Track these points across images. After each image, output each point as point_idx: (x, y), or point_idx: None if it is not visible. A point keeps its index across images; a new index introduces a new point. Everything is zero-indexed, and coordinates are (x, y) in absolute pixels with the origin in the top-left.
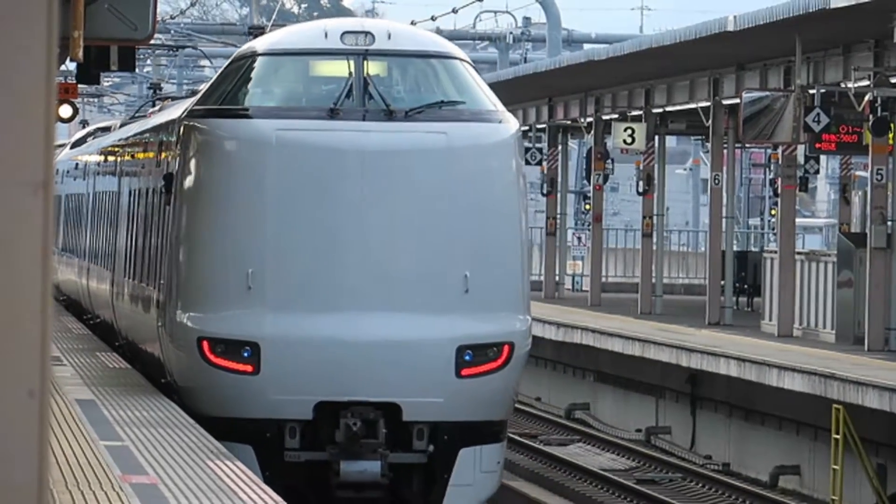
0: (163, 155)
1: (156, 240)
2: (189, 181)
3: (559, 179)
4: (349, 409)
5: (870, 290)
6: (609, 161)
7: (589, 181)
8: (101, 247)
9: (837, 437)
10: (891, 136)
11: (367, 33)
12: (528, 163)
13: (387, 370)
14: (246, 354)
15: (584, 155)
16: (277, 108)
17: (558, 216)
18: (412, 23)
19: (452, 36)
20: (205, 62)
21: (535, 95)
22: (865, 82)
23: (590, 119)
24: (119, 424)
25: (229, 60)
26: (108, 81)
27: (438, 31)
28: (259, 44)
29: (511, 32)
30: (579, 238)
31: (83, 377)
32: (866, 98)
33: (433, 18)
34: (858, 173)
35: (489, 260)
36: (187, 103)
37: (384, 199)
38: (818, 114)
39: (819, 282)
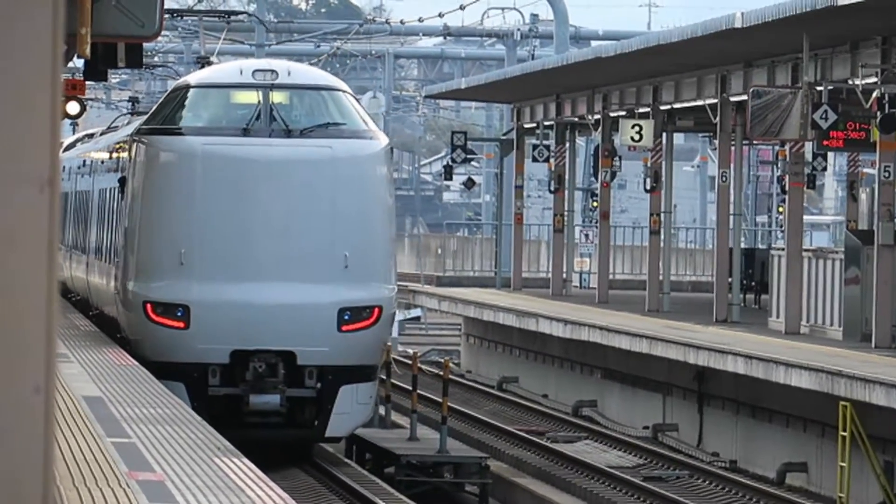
0: (120, 162)
1: (114, 228)
2: (137, 183)
3: (566, 176)
4: (256, 355)
5: (877, 288)
6: (616, 158)
7: (596, 178)
8: (80, 236)
9: (845, 434)
10: None
11: (272, 71)
12: (535, 160)
13: (285, 326)
14: (179, 314)
15: (592, 152)
16: (204, 127)
17: (566, 213)
18: (419, 20)
19: (460, 33)
20: (212, 59)
21: (543, 92)
22: (873, 79)
23: (597, 116)
24: (126, 421)
25: (169, 90)
26: (115, 78)
27: (446, 28)
28: (191, 78)
29: (519, 29)
30: (587, 235)
31: (90, 374)
32: (874, 95)
33: (441, 15)
34: (866, 170)
35: (363, 243)
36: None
37: (284, 197)
38: (826, 111)
39: (826, 279)
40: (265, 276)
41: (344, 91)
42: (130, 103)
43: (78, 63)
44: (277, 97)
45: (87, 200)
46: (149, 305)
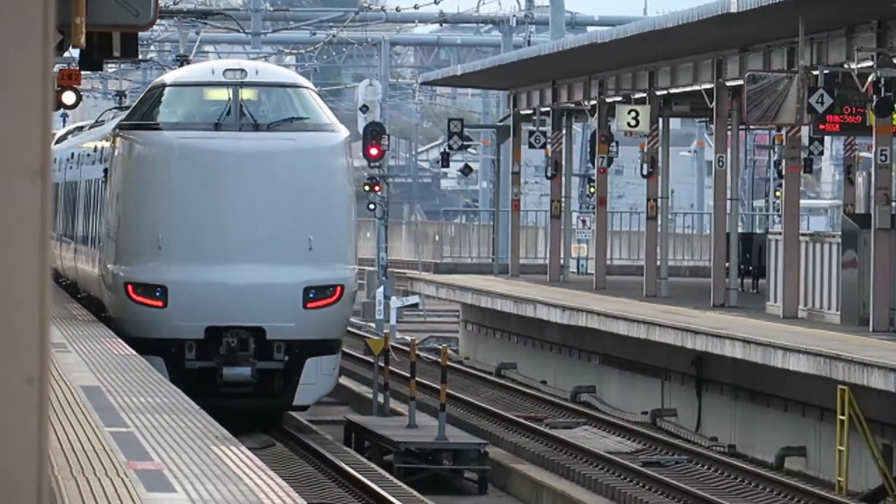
0: (103, 154)
1: (98, 216)
2: (119, 174)
3: (563, 162)
4: (229, 331)
5: (874, 271)
6: (613, 144)
7: (593, 164)
8: (68, 224)
9: (843, 418)
10: (894, 116)
11: (241, 70)
12: (532, 146)
13: (255, 304)
14: (158, 294)
15: (589, 138)
16: (179, 122)
17: (563, 199)
18: (415, 7)
19: (456, 20)
20: (209, 48)
21: (539, 78)
22: (869, 63)
23: (593, 102)
24: (124, 411)
25: (147, 88)
26: (112, 67)
27: (441, 15)
28: (167, 77)
29: (514, 15)
30: (584, 221)
31: (88, 364)
32: (870, 79)
33: (436, 2)
34: (863, 154)
35: (326, 227)
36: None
37: (253, 186)
38: (822, 95)
39: (824, 263)
40: (236, 259)
41: (307, 88)
42: (117, 97)
43: (74, 53)
44: (246, 94)
45: (75, 191)
46: (130, 286)
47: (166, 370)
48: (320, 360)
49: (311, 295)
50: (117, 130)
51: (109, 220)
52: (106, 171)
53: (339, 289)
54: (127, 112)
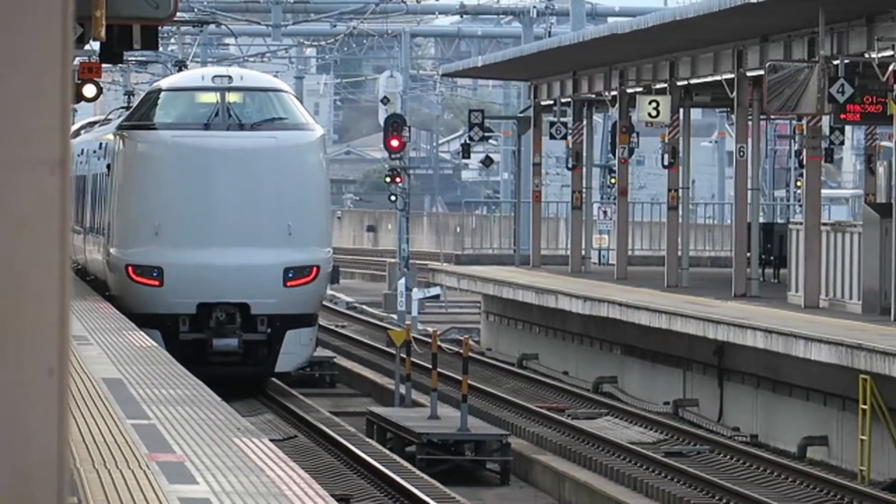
0: (107, 151)
1: (103, 206)
2: (120, 169)
3: (584, 153)
4: (218, 306)
5: None
6: (634, 134)
7: (614, 155)
8: (79, 213)
9: (865, 407)
10: None
11: (228, 76)
12: (552, 137)
13: (241, 282)
14: (155, 274)
15: (609, 129)
16: (173, 123)
17: (584, 190)
18: None
19: (476, 11)
20: (230, 40)
21: (560, 69)
22: (889, 52)
23: (614, 93)
24: (146, 403)
25: (146, 93)
26: (131, 60)
27: (462, 6)
28: (163, 83)
29: (535, 7)
30: (605, 212)
31: (110, 356)
32: (890, 68)
33: None
34: (884, 143)
35: (303, 215)
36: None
37: (239, 179)
38: (842, 84)
39: (845, 252)
40: (224, 243)
41: (287, 92)
42: (126, 97)
43: (95, 46)
44: (232, 97)
45: (84, 183)
46: (130, 268)
47: (163, 342)
48: (299, 332)
49: (291, 275)
50: (118, 130)
51: (112, 210)
52: (108, 166)
53: (315, 269)
54: (126, 114)
